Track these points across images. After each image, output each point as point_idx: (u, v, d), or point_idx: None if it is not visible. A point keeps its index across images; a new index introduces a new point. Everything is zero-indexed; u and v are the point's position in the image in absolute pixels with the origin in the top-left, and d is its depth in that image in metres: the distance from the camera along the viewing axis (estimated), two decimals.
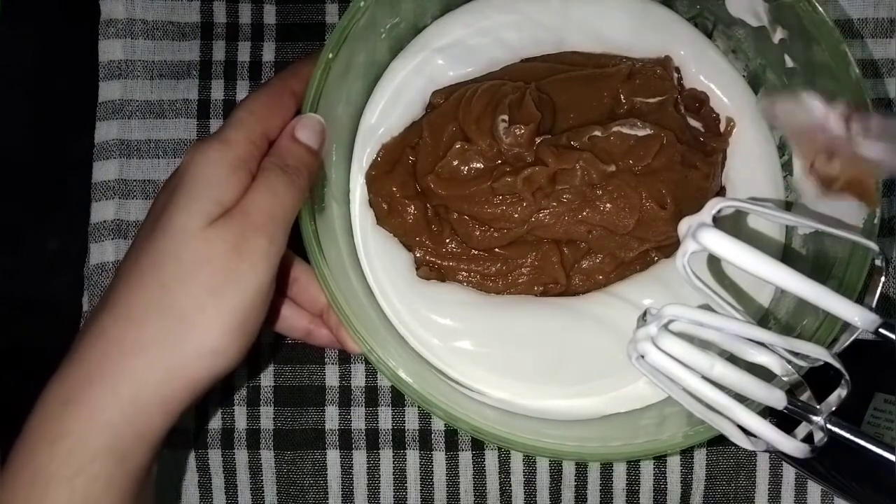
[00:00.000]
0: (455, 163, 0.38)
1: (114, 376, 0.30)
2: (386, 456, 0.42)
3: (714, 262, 0.38)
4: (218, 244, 0.30)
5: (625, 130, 0.37)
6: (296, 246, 0.37)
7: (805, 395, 0.31)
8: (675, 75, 0.40)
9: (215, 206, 0.31)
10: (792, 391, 0.30)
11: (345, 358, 0.42)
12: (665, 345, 0.28)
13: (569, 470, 0.42)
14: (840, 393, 0.29)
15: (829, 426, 0.28)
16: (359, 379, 0.42)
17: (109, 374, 0.30)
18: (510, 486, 0.42)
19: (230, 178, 0.31)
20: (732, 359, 0.30)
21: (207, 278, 0.30)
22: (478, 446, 0.42)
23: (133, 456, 0.30)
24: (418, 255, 0.40)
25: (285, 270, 0.36)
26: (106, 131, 0.43)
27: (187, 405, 0.31)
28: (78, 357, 0.30)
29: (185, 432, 0.42)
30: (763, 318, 0.39)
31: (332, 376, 0.42)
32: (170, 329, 0.30)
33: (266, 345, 0.42)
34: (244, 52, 0.44)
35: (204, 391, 0.32)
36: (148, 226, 0.32)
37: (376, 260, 0.39)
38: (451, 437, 0.42)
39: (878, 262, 0.31)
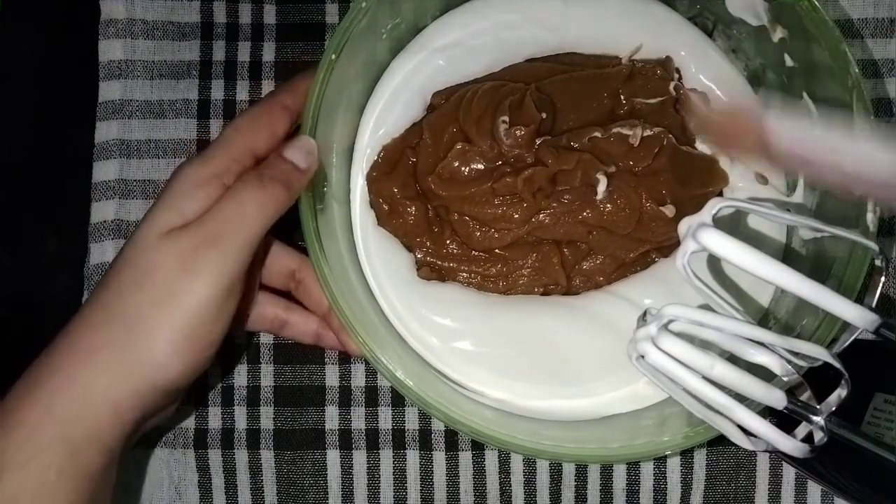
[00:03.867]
0: (456, 164, 0.38)
1: (68, 375, 0.31)
2: (386, 456, 0.42)
3: (714, 262, 0.38)
4: (165, 256, 0.31)
5: (625, 131, 0.37)
6: (298, 246, 0.37)
7: (805, 395, 0.31)
8: (676, 76, 0.40)
9: (175, 217, 0.31)
10: (792, 391, 0.30)
11: (345, 358, 0.42)
12: (665, 345, 0.28)
13: (569, 470, 0.42)
14: (840, 393, 0.29)
15: (829, 426, 0.28)
16: (359, 379, 0.42)
17: (65, 372, 0.31)
18: (510, 486, 0.42)
19: (196, 190, 0.32)
20: (732, 359, 0.30)
21: (151, 289, 0.31)
22: (478, 446, 0.42)
23: (86, 453, 0.31)
24: (419, 255, 0.40)
25: (253, 273, 0.36)
26: (106, 131, 0.43)
27: (140, 413, 0.32)
28: (43, 356, 0.32)
29: (185, 432, 0.42)
30: (763, 318, 0.39)
31: (332, 376, 0.42)
32: (117, 336, 0.31)
33: (266, 345, 0.42)
34: (244, 52, 0.44)
35: (159, 401, 0.32)
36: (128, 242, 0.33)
37: (377, 260, 0.39)
38: (451, 437, 0.42)
39: (878, 262, 0.31)
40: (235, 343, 0.42)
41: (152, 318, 0.31)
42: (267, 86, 0.44)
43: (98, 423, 0.31)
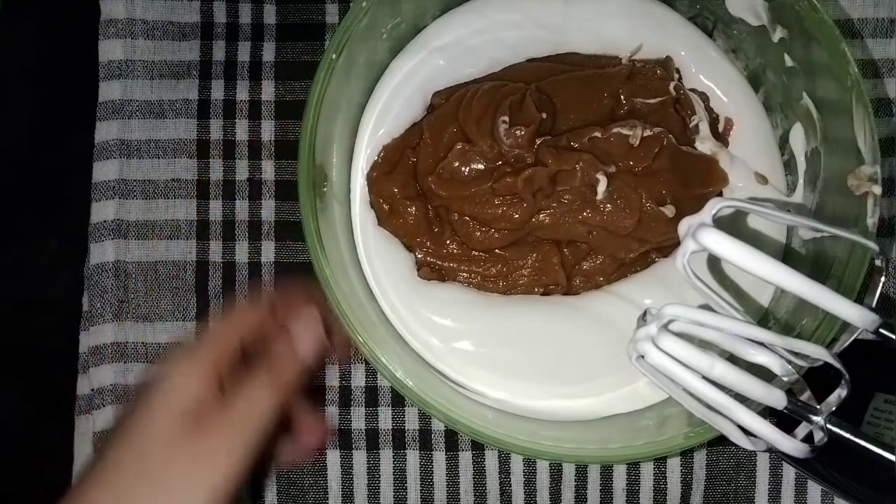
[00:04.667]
0: (456, 164, 0.38)
1: None
2: (386, 456, 0.42)
3: (714, 262, 0.38)
4: (179, 457, 0.31)
5: (625, 131, 0.37)
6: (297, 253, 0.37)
7: (805, 395, 0.31)
8: (676, 76, 0.40)
9: (181, 414, 0.32)
10: (792, 391, 0.30)
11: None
12: (665, 345, 0.28)
13: (569, 470, 0.42)
14: (840, 393, 0.29)
15: (829, 426, 0.28)
16: (359, 379, 0.42)
17: None
18: (510, 486, 0.42)
19: (192, 384, 0.32)
20: (732, 359, 0.30)
21: (168, 480, 0.31)
22: (478, 446, 0.42)
23: None
24: (419, 255, 0.40)
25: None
26: (106, 131, 0.43)
27: None
28: None
29: None
30: (763, 318, 0.39)
31: (332, 376, 0.42)
32: None
33: None
34: (244, 52, 0.44)
35: None
36: (121, 430, 0.33)
37: (377, 260, 0.39)
38: (451, 437, 0.42)
39: (878, 262, 0.31)
40: None
41: (177, 490, 0.31)
42: (266, 86, 0.43)
43: None
